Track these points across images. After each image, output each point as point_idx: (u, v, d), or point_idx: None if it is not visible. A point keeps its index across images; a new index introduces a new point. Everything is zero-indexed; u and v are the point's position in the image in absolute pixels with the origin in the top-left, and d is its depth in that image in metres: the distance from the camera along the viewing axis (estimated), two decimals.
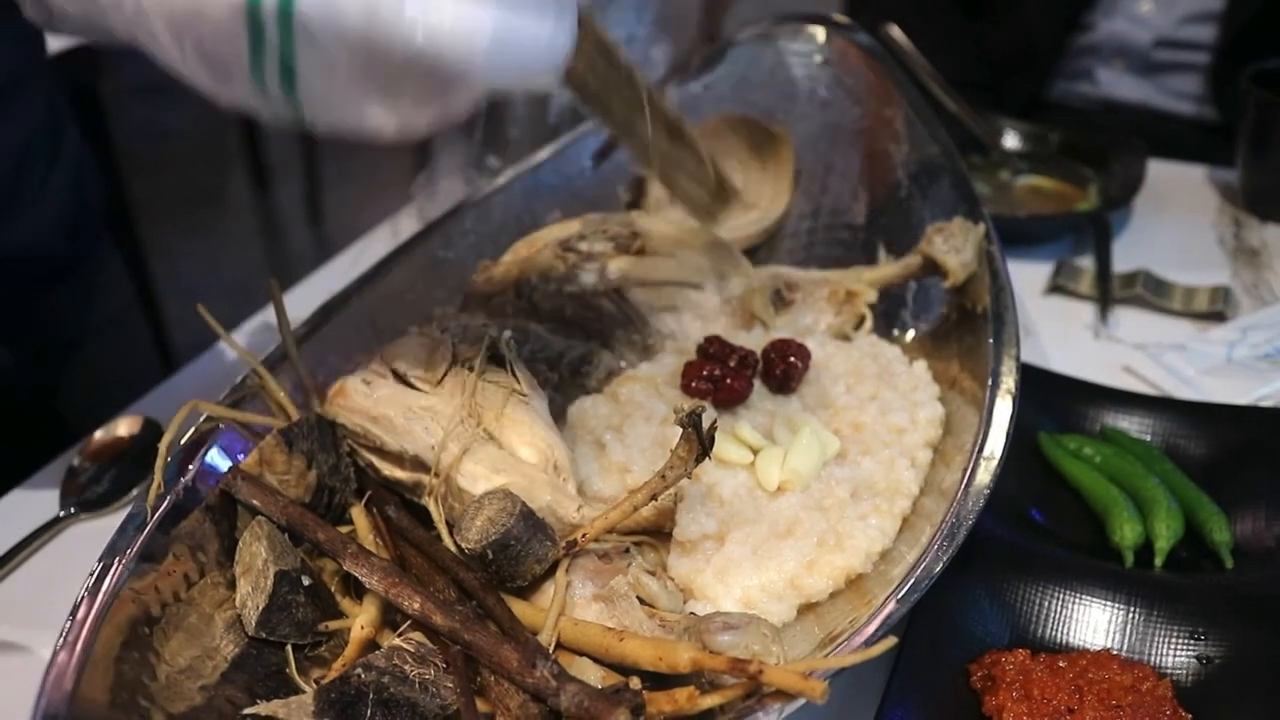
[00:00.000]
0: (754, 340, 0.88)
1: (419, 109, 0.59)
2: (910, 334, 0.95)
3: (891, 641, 0.61)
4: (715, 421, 0.76)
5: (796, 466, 0.77)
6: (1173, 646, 0.74)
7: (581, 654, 0.65)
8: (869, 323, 0.94)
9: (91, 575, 0.66)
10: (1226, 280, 1.18)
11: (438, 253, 0.99)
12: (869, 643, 0.62)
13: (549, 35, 0.60)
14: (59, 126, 1.15)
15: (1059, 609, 0.76)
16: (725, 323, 0.93)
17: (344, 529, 0.76)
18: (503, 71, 0.59)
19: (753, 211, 1.09)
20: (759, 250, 1.07)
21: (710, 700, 0.60)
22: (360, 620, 0.68)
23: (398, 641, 0.65)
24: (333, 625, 0.70)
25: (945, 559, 0.67)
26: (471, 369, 0.79)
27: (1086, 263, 1.21)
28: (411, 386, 0.80)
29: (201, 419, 0.78)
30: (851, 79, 1.10)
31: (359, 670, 0.62)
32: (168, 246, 3.24)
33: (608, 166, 1.11)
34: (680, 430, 0.78)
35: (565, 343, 0.90)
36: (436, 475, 0.75)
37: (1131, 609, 0.75)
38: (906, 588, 0.66)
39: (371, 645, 0.67)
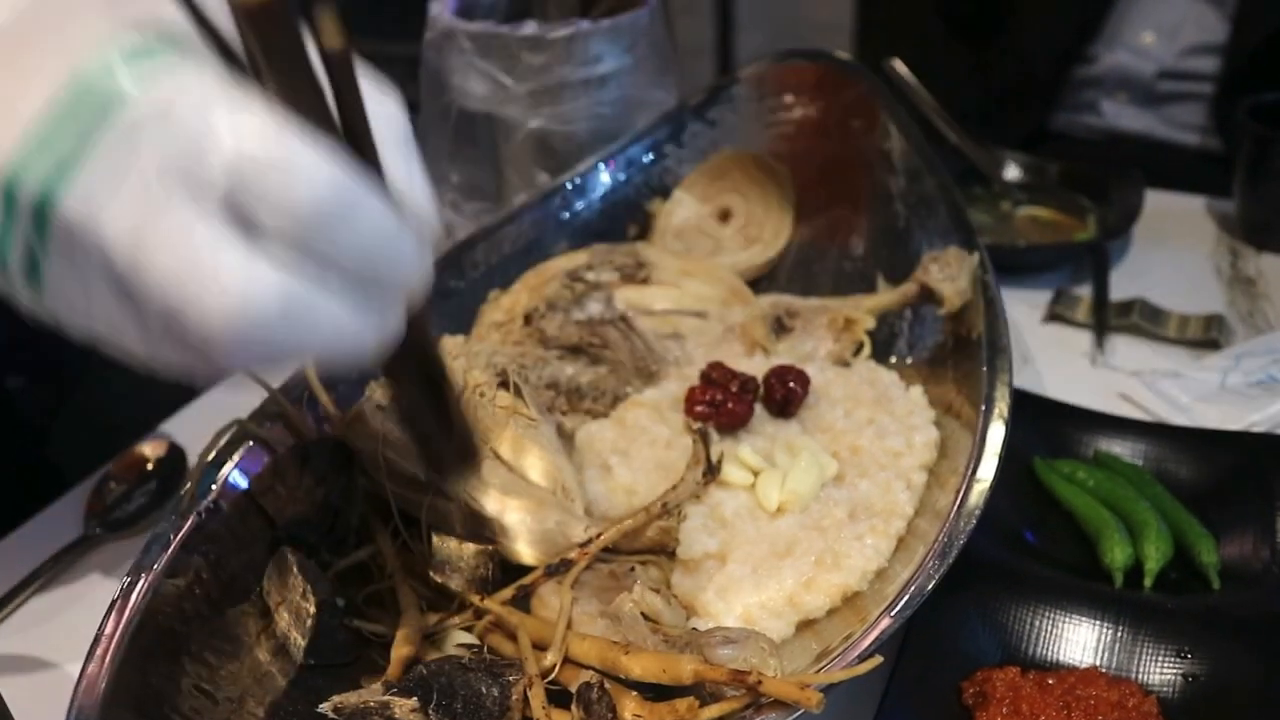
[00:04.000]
0: (755, 366, 0.91)
1: (173, 351, 0.47)
2: (907, 360, 0.98)
3: (878, 660, 0.63)
4: (722, 454, 0.80)
5: (796, 488, 0.79)
6: (1159, 665, 0.76)
7: (587, 667, 0.68)
8: (867, 349, 0.96)
9: (119, 591, 0.69)
10: (1222, 309, 1.20)
11: (449, 283, 1.02)
12: (862, 657, 0.65)
13: (344, 330, 0.47)
14: None
15: (1049, 628, 0.79)
16: (728, 349, 0.95)
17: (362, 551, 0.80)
18: (263, 354, 0.46)
19: (755, 245, 1.12)
20: (761, 281, 1.10)
21: (711, 711, 0.63)
22: (400, 638, 0.71)
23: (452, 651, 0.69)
24: (376, 631, 0.74)
25: (937, 577, 0.70)
26: (482, 395, 0.82)
27: (1085, 291, 1.23)
28: None
29: (224, 441, 0.81)
30: (851, 114, 1.13)
31: (421, 668, 0.65)
32: None
33: (615, 200, 1.14)
34: (685, 453, 0.82)
35: (572, 369, 0.93)
36: (449, 499, 0.78)
37: (1120, 628, 0.78)
38: (900, 604, 0.68)
39: (412, 662, 0.70)
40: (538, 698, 0.65)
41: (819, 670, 0.65)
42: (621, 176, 1.14)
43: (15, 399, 1.15)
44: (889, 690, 0.73)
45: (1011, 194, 1.42)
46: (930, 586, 0.69)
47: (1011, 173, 1.45)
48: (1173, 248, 1.33)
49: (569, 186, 1.11)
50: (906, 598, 0.69)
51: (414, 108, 1.23)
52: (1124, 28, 1.70)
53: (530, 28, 1.12)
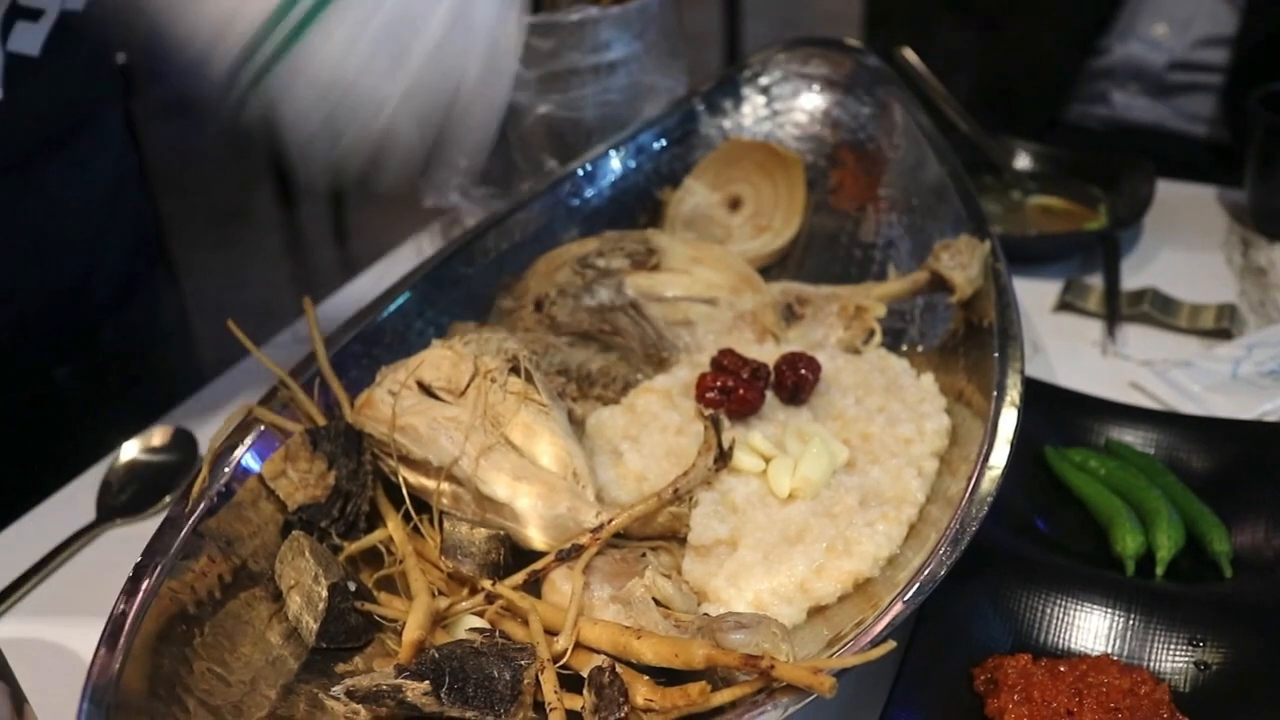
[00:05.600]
0: (766, 353, 0.91)
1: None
2: (918, 348, 0.98)
3: (892, 645, 0.63)
4: (734, 440, 0.79)
5: (807, 475, 0.79)
6: (1171, 652, 0.76)
7: (600, 652, 0.68)
8: (878, 337, 0.96)
9: (131, 574, 0.69)
10: (1234, 298, 1.20)
11: (460, 269, 1.02)
12: (874, 643, 0.65)
13: None
14: (126, 152, 1.20)
15: (1061, 615, 0.79)
16: (738, 336, 0.95)
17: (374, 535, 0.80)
18: None
19: (765, 233, 1.11)
20: (772, 269, 1.10)
21: (724, 696, 0.63)
22: (411, 622, 0.71)
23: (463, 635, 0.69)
24: (387, 615, 0.74)
25: (949, 563, 0.70)
26: (493, 381, 0.82)
27: (1095, 281, 1.23)
28: (436, 398, 0.83)
29: (235, 426, 0.81)
30: (861, 101, 1.13)
31: (433, 651, 0.65)
32: (195, 264, 3.30)
33: (625, 188, 1.14)
34: (696, 440, 0.82)
35: (583, 355, 0.93)
36: (461, 484, 0.78)
37: (1131, 616, 0.78)
38: (912, 591, 0.68)
39: (424, 646, 0.69)
40: (550, 681, 0.65)
41: (831, 655, 0.65)
42: (632, 164, 1.14)
43: (60, 388, 1.16)
44: (901, 676, 0.72)
45: (1022, 183, 1.41)
46: (943, 573, 0.69)
47: (1022, 162, 1.44)
48: (1184, 237, 1.33)
49: (580, 174, 1.11)
50: (919, 584, 0.69)
51: None
52: (1137, 20, 1.69)
53: (540, 14, 1.12)
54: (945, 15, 1.86)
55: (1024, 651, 0.75)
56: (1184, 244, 1.32)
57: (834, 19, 4.13)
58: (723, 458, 0.78)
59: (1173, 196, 1.38)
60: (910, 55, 1.43)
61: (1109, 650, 0.76)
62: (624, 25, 1.16)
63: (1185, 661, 0.75)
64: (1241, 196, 1.37)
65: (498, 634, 0.70)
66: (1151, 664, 0.75)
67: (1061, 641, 0.78)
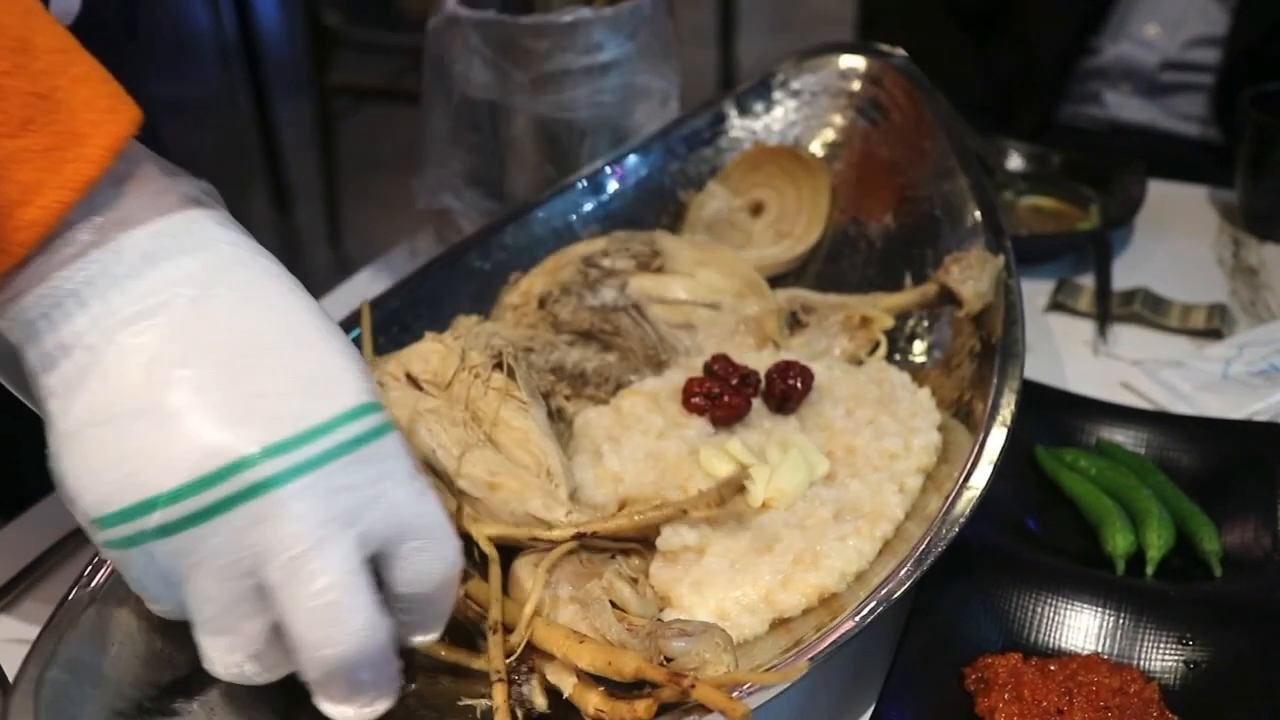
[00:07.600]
0: (766, 360, 0.90)
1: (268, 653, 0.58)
2: (921, 361, 0.97)
3: (804, 668, 0.63)
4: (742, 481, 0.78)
5: (781, 485, 0.78)
6: (1161, 651, 0.76)
7: (550, 655, 0.68)
8: (882, 348, 0.95)
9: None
10: (1225, 298, 1.20)
11: (474, 263, 1.02)
12: (816, 659, 0.65)
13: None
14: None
15: (1051, 615, 0.79)
16: (740, 342, 0.95)
17: None
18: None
19: (786, 240, 1.11)
20: (788, 276, 1.09)
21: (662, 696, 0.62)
22: None
23: None
24: None
25: (908, 583, 0.69)
26: (476, 375, 0.82)
27: (1087, 281, 1.23)
28: (423, 390, 0.84)
29: None
30: (891, 109, 1.12)
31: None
32: None
33: (647, 189, 1.13)
34: (678, 444, 0.81)
35: (581, 354, 0.93)
36: (437, 475, 0.79)
37: (1122, 615, 0.78)
38: (863, 611, 0.68)
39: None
40: (500, 694, 0.65)
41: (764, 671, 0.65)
42: (658, 165, 1.14)
43: None
44: (891, 675, 0.73)
45: (1014, 184, 1.42)
46: (899, 594, 0.69)
47: (1014, 163, 1.45)
48: (1175, 237, 1.33)
49: (608, 172, 1.11)
50: (872, 604, 0.68)
51: (417, 95, 1.23)
52: (1129, 21, 1.70)
53: (533, 15, 1.12)
54: (939, 17, 1.87)
55: (1015, 650, 0.75)
56: (1175, 244, 1.32)
57: (827, 19, 4.14)
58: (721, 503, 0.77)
59: (1164, 196, 1.39)
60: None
61: (1099, 649, 0.77)
62: (616, 26, 1.15)
63: (1175, 660, 0.75)
64: (1232, 196, 1.37)
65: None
66: (1141, 662, 0.76)
67: (1052, 640, 0.78)
